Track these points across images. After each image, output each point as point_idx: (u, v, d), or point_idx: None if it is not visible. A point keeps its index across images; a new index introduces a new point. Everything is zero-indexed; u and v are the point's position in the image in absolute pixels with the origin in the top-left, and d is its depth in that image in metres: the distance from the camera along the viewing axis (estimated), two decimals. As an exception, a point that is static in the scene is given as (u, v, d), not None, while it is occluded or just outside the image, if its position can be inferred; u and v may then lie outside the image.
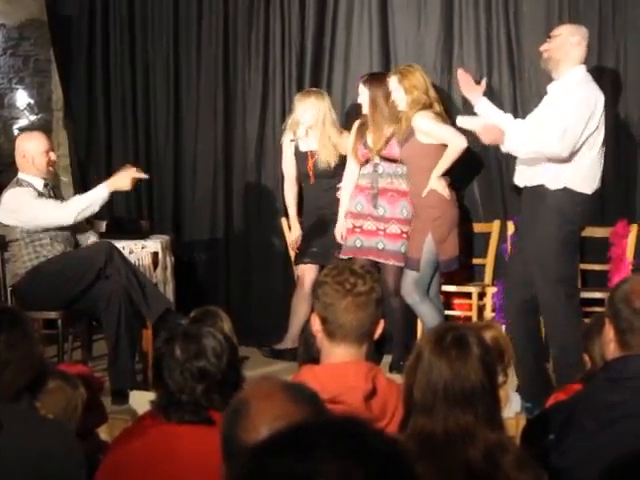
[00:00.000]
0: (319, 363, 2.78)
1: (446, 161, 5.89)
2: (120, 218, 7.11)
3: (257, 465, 1.25)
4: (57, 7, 7.54)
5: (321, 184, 6.48)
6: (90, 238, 6.01)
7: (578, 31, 5.30)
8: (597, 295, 5.99)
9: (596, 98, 5.14)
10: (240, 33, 7.19)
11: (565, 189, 5.14)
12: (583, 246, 6.32)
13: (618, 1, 6.32)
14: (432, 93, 6.00)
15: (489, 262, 6.48)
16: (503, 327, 5.03)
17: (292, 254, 6.69)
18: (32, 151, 5.73)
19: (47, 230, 5.66)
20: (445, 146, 5.90)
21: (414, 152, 5.93)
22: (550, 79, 5.33)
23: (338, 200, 6.42)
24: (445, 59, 6.68)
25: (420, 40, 6.75)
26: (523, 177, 5.35)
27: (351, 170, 6.29)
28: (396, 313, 6.11)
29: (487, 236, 6.54)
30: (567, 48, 5.19)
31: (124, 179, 5.74)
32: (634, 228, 6.16)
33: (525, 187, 5.33)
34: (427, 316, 5.88)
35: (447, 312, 6.27)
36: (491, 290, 6.29)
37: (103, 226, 6.65)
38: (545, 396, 4.52)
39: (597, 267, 6.33)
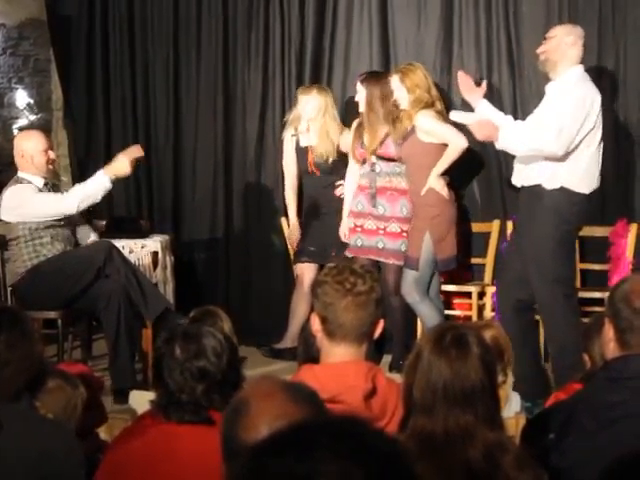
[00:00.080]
0: (319, 362, 2.78)
1: (446, 160, 5.89)
2: (120, 217, 7.11)
3: (257, 465, 1.25)
4: (57, 7, 7.54)
5: (319, 180, 6.48)
6: (90, 237, 6.01)
7: (573, 31, 5.30)
8: (597, 295, 5.99)
9: (592, 98, 5.15)
10: (240, 33, 7.19)
11: (562, 189, 5.14)
12: (583, 246, 6.32)
13: (618, 1, 6.32)
14: (434, 91, 6.01)
15: (489, 262, 6.48)
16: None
17: (292, 253, 6.70)
18: (31, 150, 5.73)
19: (48, 228, 5.66)
20: (445, 145, 5.91)
21: (414, 150, 5.93)
22: (549, 79, 5.33)
23: (336, 198, 6.42)
24: (445, 59, 6.68)
25: (420, 40, 6.75)
26: (520, 177, 5.35)
27: (353, 170, 6.31)
28: (396, 312, 6.11)
29: (487, 236, 6.54)
30: (563, 48, 5.20)
31: (122, 163, 5.71)
32: (634, 227, 6.16)
33: (522, 187, 5.34)
34: (427, 316, 5.88)
35: (447, 312, 6.27)
36: (491, 290, 6.29)
37: (103, 225, 6.65)
38: (541, 396, 4.54)
39: (597, 267, 6.33)
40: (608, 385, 2.55)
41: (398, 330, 6.17)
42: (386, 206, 6.12)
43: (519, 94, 6.52)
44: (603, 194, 6.19)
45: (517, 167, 5.40)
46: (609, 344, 2.66)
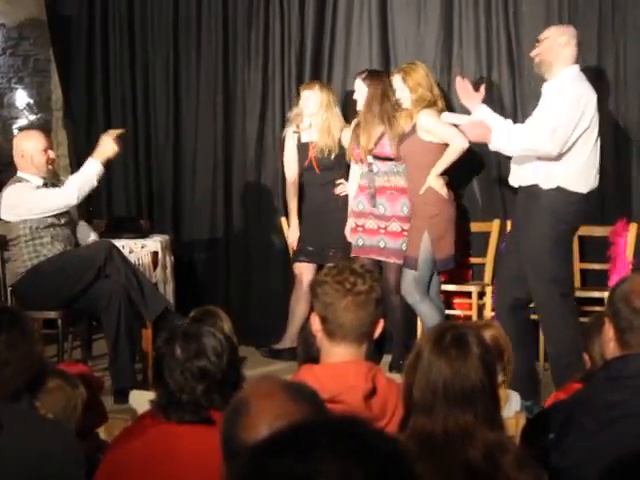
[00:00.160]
0: (319, 362, 2.78)
1: (446, 160, 5.89)
2: (120, 217, 7.11)
3: (257, 465, 1.25)
4: (57, 7, 7.55)
5: (318, 178, 6.46)
6: (90, 237, 6.01)
7: (566, 31, 5.31)
8: (596, 294, 6.00)
9: (588, 98, 5.15)
10: (240, 33, 7.19)
11: (558, 188, 5.15)
12: (583, 245, 6.33)
13: (618, 1, 6.32)
14: (436, 90, 6.02)
15: (489, 261, 6.48)
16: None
17: (292, 253, 6.70)
18: (30, 150, 5.73)
19: (48, 227, 5.66)
20: (446, 145, 5.91)
21: (414, 149, 5.93)
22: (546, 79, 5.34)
23: (336, 197, 6.42)
24: (445, 58, 6.68)
25: (420, 39, 6.75)
26: (516, 177, 5.36)
27: (354, 170, 6.32)
28: (396, 311, 6.11)
29: (487, 235, 6.54)
30: (557, 49, 5.20)
31: (107, 144, 5.77)
32: (633, 227, 6.16)
33: (520, 187, 5.34)
34: (427, 315, 5.88)
35: (447, 311, 6.27)
36: (491, 289, 6.29)
37: (103, 225, 6.65)
38: (530, 397, 4.54)
39: (597, 266, 6.34)
40: (608, 385, 2.54)
41: (398, 330, 6.17)
42: (386, 205, 6.13)
43: (519, 94, 6.52)
44: (603, 194, 6.19)
45: (513, 167, 5.41)
46: (609, 344, 2.66)
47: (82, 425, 3.09)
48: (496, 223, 6.48)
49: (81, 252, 5.78)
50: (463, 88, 5.44)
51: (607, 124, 6.31)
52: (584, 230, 6.16)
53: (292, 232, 6.60)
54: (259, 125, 7.14)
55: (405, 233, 6.07)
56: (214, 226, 7.30)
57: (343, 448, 1.23)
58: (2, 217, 5.71)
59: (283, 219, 6.82)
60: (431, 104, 5.94)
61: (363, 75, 6.20)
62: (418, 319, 6.13)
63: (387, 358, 6.19)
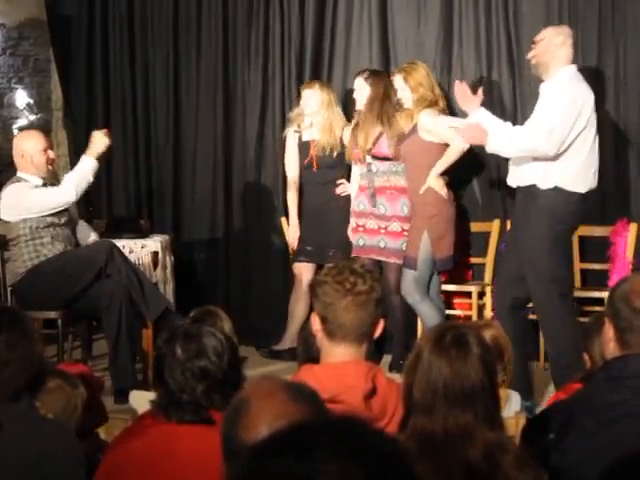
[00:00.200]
0: (319, 362, 2.78)
1: (446, 160, 5.89)
2: (120, 217, 7.11)
3: (257, 465, 1.25)
4: (56, 7, 7.55)
5: (320, 175, 6.45)
6: (90, 237, 6.01)
7: (561, 31, 5.31)
8: (597, 294, 6.00)
9: (585, 98, 5.15)
10: (240, 33, 7.19)
11: (556, 188, 5.15)
12: (583, 245, 6.33)
13: (618, 0, 6.32)
14: (437, 90, 6.02)
15: (489, 261, 6.48)
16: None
17: (292, 253, 6.69)
18: (30, 150, 5.74)
19: (48, 227, 5.66)
20: (446, 145, 5.91)
21: (414, 149, 5.93)
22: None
23: (336, 197, 6.41)
24: (445, 58, 6.68)
25: (420, 39, 6.75)
26: (514, 177, 5.37)
27: (355, 170, 6.32)
28: (397, 311, 6.11)
29: (487, 235, 6.54)
30: (553, 50, 5.21)
31: (98, 139, 5.86)
32: (634, 227, 6.16)
33: (518, 187, 5.34)
34: (427, 315, 5.88)
35: (447, 311, 6.27)
36: (491, 289, 6.29)
37: (103, 225, 6.65)
38: (525, 395, 4.54)
39: (597, 266, 6.34)
40: (608, 385, 2.55)
41: (398, 330, 6.17)
42: (387, 205, 6.13)
43: (519, 94, 6.52)
44: (603, 194, 6.19)
45: (511, 168, 5.42)
46: (609, 344, 2.66)
47: (82, 425, 3.09)
48: (496, 223, 6.48)
49: (81, 252, 5.79)
50: (461, 91, 5.42)
51: (607, 124, 6.31)
52: (584, 230, 6.16)
53: (292, 232, 6.60)
54: (259, 125, 7.14)
55: (405, 233, 6.07)
56: (214, 226, 7.30)
57: (343, 448, 1.23)
58: (2, 217, 5.71)
59: (283, 219, 6.81)
60: (432, 104, 5.94)
61: (365, 74, 6.19)
62: (418, 319, 6.13)
63: (387, 358, 6.19)
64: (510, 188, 5.65)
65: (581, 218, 5.45)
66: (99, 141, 5.84)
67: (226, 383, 2.53)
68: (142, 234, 6.56)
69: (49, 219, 5.68)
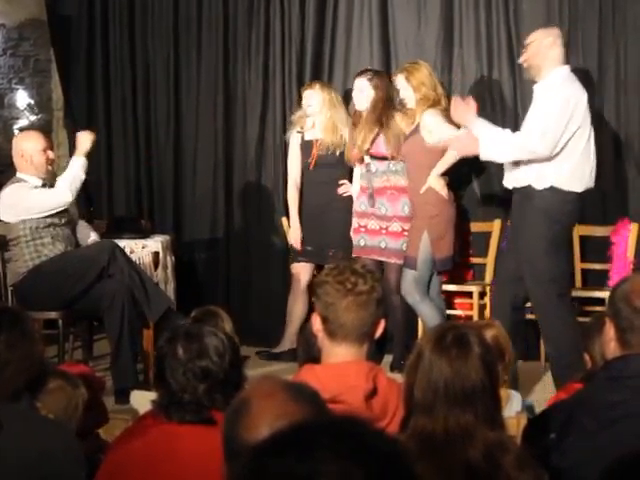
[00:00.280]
0: (320, 363, 2.78)
1: (447, 161, 5.89)
2: (121, 218, 7.11)
3: (257, 465, 1.25)
4: (57, 7, 7.55)
5: (321, 174, 6.43)
6: (90, 237, 6.01)
7: (550, 32, 5.33)
8: (597, 294, 6.00)
9: (577, 97, 5.17)
10: (240, 33, 7.19)
11: (552, 188, 5.16)
12: (583, 245, 6.33)
13: (618, 0, 6.32)
14: (439, 89, 6.01)
15: (489, 261, 6.48)
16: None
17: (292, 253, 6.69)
18: (30, 149, 5.74)
19: (48, 227, 5.66)
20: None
21: (415, 148, 5.92)
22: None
23: (338, 197, 6.40)
24: (445, 58, 6.68)
25: (420, 39, 6.75)
26: (510, 179, 5.37)
27: (357, 170, 6.32)
28: (397, 311, 6.11)
29: (487, 235, 6.54)
30: (544, 52, 5.23)
31: (83, 138, 5.96)
32: (634, 227, 6.16)
33: (514, 188, 5.35)
34: (428, 315, 5.88)
35: (448, 311, 6.27)
36: (490, 289, 6.29)
37: (104, 226, 6.65)
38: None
39: (597, 266, 6.34)
40: (608, 385, 2.54)
41: (399, 330, 6.17)
42: (387, 206, 6.13)
43: (519, 93, 6.52)
44: (603, 194, 6.20)
45: (506, 170, 5.42)
46: (610, 344, 2.66)
47: (83, 425, 3.09)
48: (497, 223, 6.48)
49: (83, 252, 5.78)
50: (457, 107, 5.41)
51: (608, 124, 6.32)
52: (584, 230, 6.17)
53: (294, 233, 6.56)
54: (259, 125, 7.14)
55: (405, 233, 6.07)
56: (215, 226, 7.30)
57: (343, 448, 1.23)
58: (1, 217, 5.70)
59: (284, 219, 6.81)
60: (435, 103, 5.94)
61: (368, 76, 6.17)
62: (419, 319, 6.13)
63: (388, 358, 6.19)
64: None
65: (578, 217, 5.45)
66: (84, 140, 5.93)
67: (228, 383, 2.53)
68: (143, 234, 6.56)
69: (49, 219, 5.69)
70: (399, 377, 2.72)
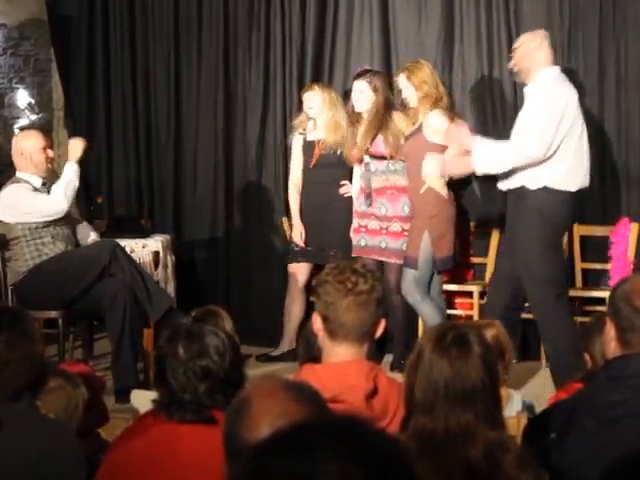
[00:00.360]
0: (320, 362, 2.78)
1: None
2: (121, 217, 7.11)
3: (258, 465, 1.25)
4: (57, 7, 7.55)
5: (322, 174, 6.42)
6: (90, 236, 6.01)
7: (536, 35, 5.38)
8: (597, 294, 6.00)
9: (568, 97, 5.19)
10: (240, 33, 7.19)
11: (545, 188, 5.17)
12: (583, 245, 6.33)
13: (618, -2, 6.33)
14: (441, 88, 6.01)
15: (490, 261, 6.48)
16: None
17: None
18: (30, 148, 5.74)
19: (47, 227, 5.66)
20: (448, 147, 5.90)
21: (417, 148, 5.92)
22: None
23: (339, 197, 6.40)
24: (446, 57, 6.68)
25: (421, 39, 6.75)
26: (504, 181, 5.38)
27: (357, 171, 6.32)
28: (398, 311, 6.10)
29: (487, 235, 6.54)
30: (531, 54, 5.27)
31: (74, 144, 5.97)
32: (635, 227, 6.16)
33: (508, 190, 5.36)
34: (428, 315, 5.88)
35: (448, 311, 6.27)
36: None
37: (104, 225, 6.65)
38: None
39: (598, 266, 6.33)
40: (609, 384, 2.54)
41: (399, 330, 6.17)
42: (387, 206, 6.12)
43: (520, 92, 6.50)
44: (603, 194, 6.19)
45: (500, 172, 5.42)
46: (610, 343, 2.66)
47: (83, 425, 3.09)
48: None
49: (83, 252, 5.78)
50: (450, 135, 5.45)
51: (608, 123, 6.32)
52: (584, 230, 6.17)
53: (296, 232, 6.52)
54: (260, 125, 7.14)
55: (405, 233, 6.06)
56: (215, 226, 7.30)
57: (344, 448, 1.23)
58: (1, 217, 5.70)
59: (284, 219, 6.81)
60: (437, 102, 5.94)
61: (367, 78, 6.16)
62: (419, 319, 6.12)
63: (388, 358, 6.19)
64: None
65: (573, 217, 5.46)
66: (76, 146, 5.93)
67: (228, 382, 2.53)
68: (143, 234, 6.56)
69: (48, 219, 5.69)
70: (399, 377, 2.72)
